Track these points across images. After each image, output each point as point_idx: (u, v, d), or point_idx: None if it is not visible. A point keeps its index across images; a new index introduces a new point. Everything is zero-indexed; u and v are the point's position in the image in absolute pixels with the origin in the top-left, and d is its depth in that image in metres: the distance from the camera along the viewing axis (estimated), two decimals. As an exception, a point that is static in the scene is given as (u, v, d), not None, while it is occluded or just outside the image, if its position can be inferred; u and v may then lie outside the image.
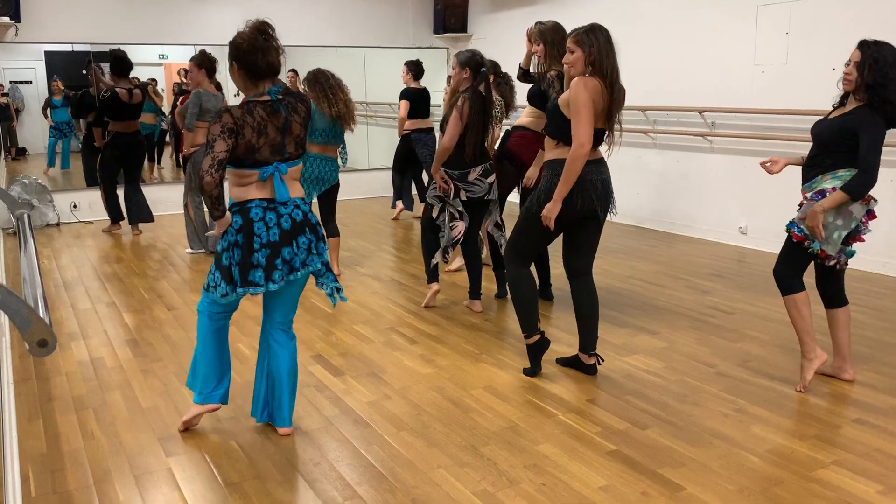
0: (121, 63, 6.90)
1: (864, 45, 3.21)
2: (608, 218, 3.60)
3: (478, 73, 4.38)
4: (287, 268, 2.88)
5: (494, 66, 5.47)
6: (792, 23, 5.99)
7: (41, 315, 1.33)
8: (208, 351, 3.03)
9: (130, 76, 7.14)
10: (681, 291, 5.18)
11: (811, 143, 3.45)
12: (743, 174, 6.50)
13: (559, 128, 3.43)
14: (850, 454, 2.89)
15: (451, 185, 4.47)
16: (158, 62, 8.96)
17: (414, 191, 8.15)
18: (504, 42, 8.71)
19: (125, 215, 7.41)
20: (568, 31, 3.59)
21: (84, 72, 8.24)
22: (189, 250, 6.53)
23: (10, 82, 8.44)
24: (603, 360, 3.75)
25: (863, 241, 3.43)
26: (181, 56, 8.50)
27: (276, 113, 2.82)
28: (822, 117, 3.46)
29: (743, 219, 6.58)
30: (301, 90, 5.63)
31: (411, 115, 7.37)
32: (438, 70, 9.25)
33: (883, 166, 3.32)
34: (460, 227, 4.53)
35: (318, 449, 3.00)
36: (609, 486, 2.69)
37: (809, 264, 3.45)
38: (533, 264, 4.67)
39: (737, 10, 6.38)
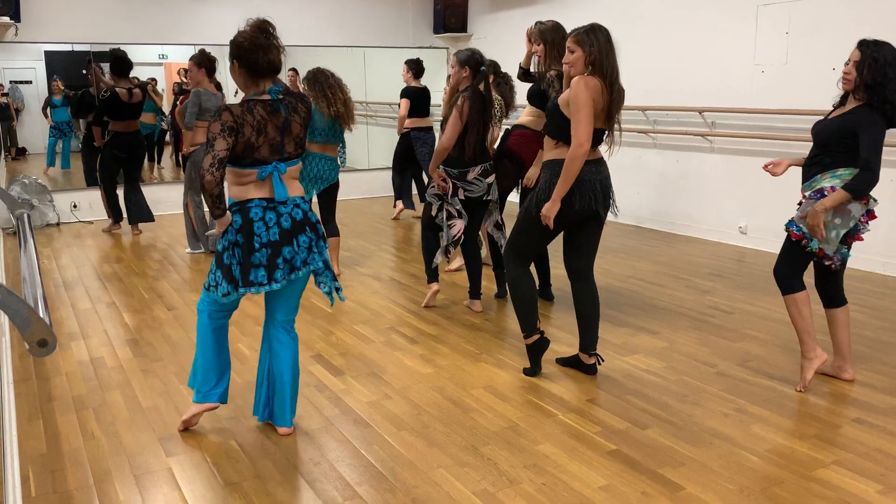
0: (121, 63, 6.90)
1: (863, 45, 3.22)
2: (608, 218, 3.60)
3: (477, 71, 4.37)
4: (288, 267, 2.88)
5: (494, 66, 5.47)
6: (792, 22, 5.99)
7: (41, 315, 1.33)
8: (207, 350, 3.03)
9: (130, 76, 7.14)
10: (681, 291, 5.18)
11: (811, 143, 3.45)
12: (743, 174, 6.50)
13: (559, 127, 3.43)
14: (850, 454, 2.89)
15: (450, 184, 4.47)
16: (158, 62, 8.96)
17: (414, 190, 8.15)
18: (504, 42, 8.71)
19: (125, 215, 7.42)
20: (568, 30, 3.59)
21: (84, 72, 8.24)
22: (188, 250, 6.53)
23: (10, 82, 8.44)
24: (603, 360, 3.75)
25: (861, 240, 3.43)
26: (181, 56, 8.50)
27: (276, 112, 2.82)
28: (822, 117, 3.47)
29: (743, 218, 6.58)
30: (301, 89, 5.64)
31: (411, 113, 7.38)
32: (438, 70, 9.24)
33: (883, 166, 3.31)
34: (459, 225, 4.53)
35: (318, 449, 3.00)
36: (609, 485, 2.69)
37: (809, 264, 3.45)
38: (533, 264, 4.67)
39: (737, 10, 6.38)
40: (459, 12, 9.66)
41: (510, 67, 5.52)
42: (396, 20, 9.69)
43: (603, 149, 3.52)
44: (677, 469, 2.79)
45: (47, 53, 8.30)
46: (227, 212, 2.86)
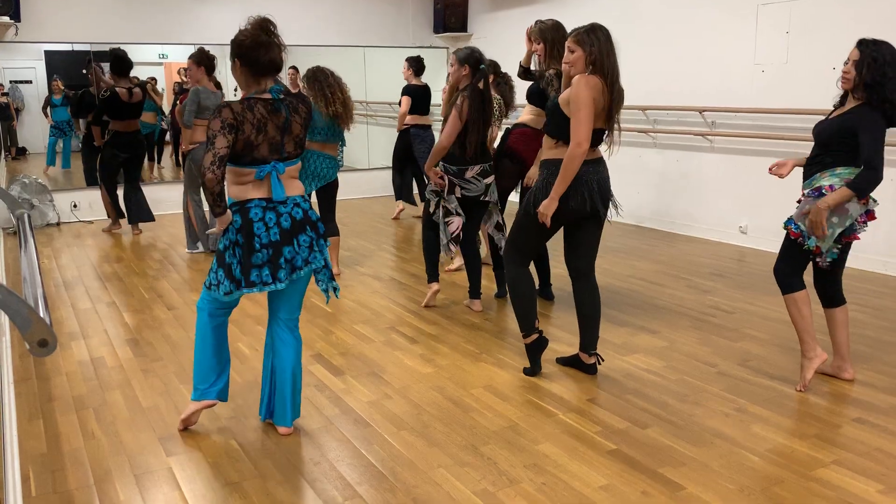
0: (121, 62, 6.90)
1: (862, 44, 3.22)
2: (608, 218, 3.60)
3: (477, 69, 4.37)
4: (290, 267, 2.88)
5: (494, 66, 5.47)
6: (792, 22, 5.99)
7: (41, 315, 1.33)
8: (207, 347, 3.03)
9: (130, 75, 7.14)
10: (681, 291, 5.18)
11: (812, 143, 3.45)
12: (743, 173, 6.50)
13: (559, 126, 3.42)
14: (851, 453, 2.89)
15: (447, 181, 4.47)
16: (158, 62, 8.96)
17: (415, 189, 8.14)
18: (504, 41, 8.70)
19: (125, 214, 7.42)
20: (567, 30, 3.59)
21: (84, 71, 8.24)
22: (188, 250, 6.53)
23: (11, 82, 8.44)
24: (603, 360, 3.75)
25: (858, 239, 3.43)
26: (181, 55, 8.50)
27: (277, 112, 2.82)
28: (823, 117, 3.47)
29: (743, 218, 6.58)
30: (301, 87, 5.64)
31: (412, 110, 7.38)
32: (439, 69, 9.24)
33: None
34: (457, 222, 4.52)
35: (318, 448, 3.00)
36: (609, 485, 2.69)
37: (809, 263, 3.45)
38: (533, 264, 4.67)
39: (737, 10, 6.38)
40: (459, 12, 9.66)
41: (510, 67, 5.52)
42: (396, 19, 9.69)
43: (603, 149, 3.52)
44: (677, 469, 2.79)
45: (47, 53, 8.30)
46: (228, 210, 2.86)
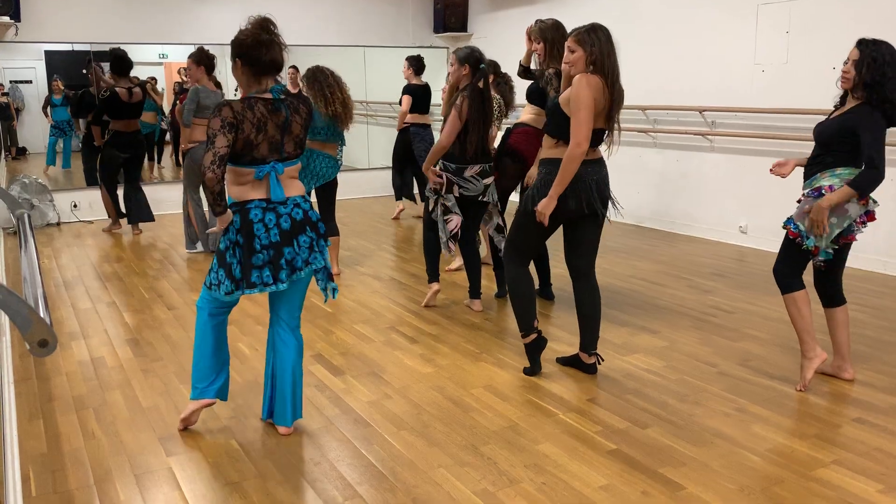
0: (121, 62, 6.90)
1: (862, 44, 3.22)
2: (608, 217, 3.60)
3: (477, 69, 4.37)
4: (290, 268, 2.88)
5: (494, 66, 5.47)
6: (792, 22, 5.99)
7: (42, 315, 1.33)
8: (206, 346, 3.03)
9: (130, 75, 7.14)
10: (681, 291, 5.18)
11: (812, 143, 3.45)
12: (743, 173, 6.50)
13: (560, 126, 3.42)
14: (851, 453, 2.89)
15: (445, 179, 4.46)
16: (159, 62, 8.96)
17: (415, 189, 8.14)
18: (504, 41, 8.70)
19: (125, 214, 7.42)
20: (567, 29, 3.59)
21: (84, 71, 8.24)
22: (186, 250, 6.53)
23: (11, 82, 8.44)
24: (603, 360, 3.75)
25: (854, 240, 3.43)
26: (181, 55, 8.50)
27: (277, 111, 2.82)
28: (823, 118, 3.47)
29: (743, 218, 6.58)
30: (301, 86, 5.64)
31: (412, 110, 7.38)
32: (439, 69, 9.24)
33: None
34: (456, 220, 4.52)
35: (318, 448, 3.00)
36: (609, 485, 2.69)
37: (808, 263, 3.45)
38: (533, 264, 4.67)
39: (737, 9, 6.38)
40: (459, 11, 9.66)
41: (510, 67, 5.52)
42: (396, 19, 9.69)
43: (602, 148, 3.52)
44: (678, 468, 2.79)
45: (47, 53, 8.30)
46: (228, 209, 2.86)
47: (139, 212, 7.31)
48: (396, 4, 9.66)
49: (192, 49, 6.14)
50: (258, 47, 2.76)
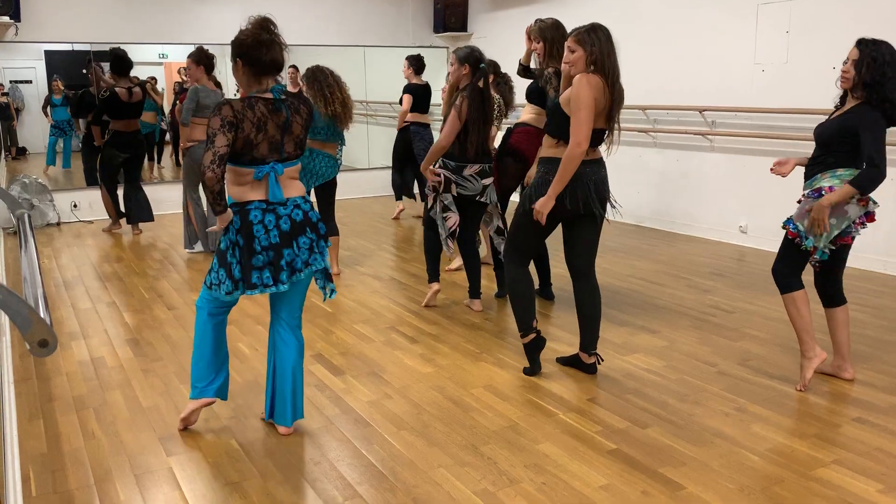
0: (121, 62, 6.90)
1: (861, 44, 3.22)
2: (608, 217, 3.60)
3: (477, 68, 4.37)
4: (290, 269, 2.88)
5: (494, 66, 5.47)
6: (792, 21, 5.99)
7: (42, 315, 1.33)
8: (206, 346, 3.03)
9: (130, 75, 7.14)
10: (681, 290, 5.18)
11: (813, 144, 3.45)
12: (743, 173, 6.50)
13: (560, 126, 3.42)
14: (851, 453, 2.89)
15: (443, 177, 4.46)
16: (159, 61, 8.96)
17: (415, 189, 8.14)
18: (504, 41, 8.70)
19: (125, 214, 7.42)
20: (567, 29, 3.59)
21: (84, 71, 8.24)
22: (185, 249, 6.53)
23: (11, 82, 8.44)
24: (603, 360, 3.75)
25: (849, 242, 3.42)
26: (181, 55, 8.50)
27: (278, 111, 2.82)
28: (823, 117, 3.47)
29: (743, 217, 6.58)
30: (301, 86, 5.64)
31: (412, 109, 7.39)
32: (439, 69, 9.24)
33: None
34: (454, 218, 4.52)
35: (318, 448, 3.00)
36: (609, 485, 2.69)
37: (807, 263, 3.45)
38: (533, 263, 4.67)
39: (737, 9, 6.38)
40: (459, 11, 9.66)
41: (510, 67, 5.52)
42: (396, 19, 9.69)
43: (602, 148, 3.52)
44: (678, 468, 2.79)
45: (47, 53, 8.30)
46: (228, 208, 2.86)
47: (139, 212, 7.32)
48: (396, 4, 9.66)
49: (192, 49, 6.14)
50: (259, 47, 2.76)
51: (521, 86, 5.18)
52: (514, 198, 5.46)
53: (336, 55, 8.83)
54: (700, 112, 6.69)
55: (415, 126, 7.45)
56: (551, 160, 3.44)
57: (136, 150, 7.19)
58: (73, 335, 4.40)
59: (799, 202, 3.44)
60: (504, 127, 5.49)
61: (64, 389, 3.61)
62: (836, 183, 3.27)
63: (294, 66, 8.28)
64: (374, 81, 9.59)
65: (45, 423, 3.25)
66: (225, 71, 7.93)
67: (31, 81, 8.50)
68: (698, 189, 6.96)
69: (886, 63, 3.14)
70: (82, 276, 5.75)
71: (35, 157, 8.80)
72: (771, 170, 3.56)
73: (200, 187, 4.91)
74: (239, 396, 3.47)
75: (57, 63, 8.42)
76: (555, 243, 3.98)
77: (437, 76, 8.64)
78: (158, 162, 9.34)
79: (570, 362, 3.79)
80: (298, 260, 2.89)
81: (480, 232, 5.09)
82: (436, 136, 5.07)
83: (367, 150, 9.98)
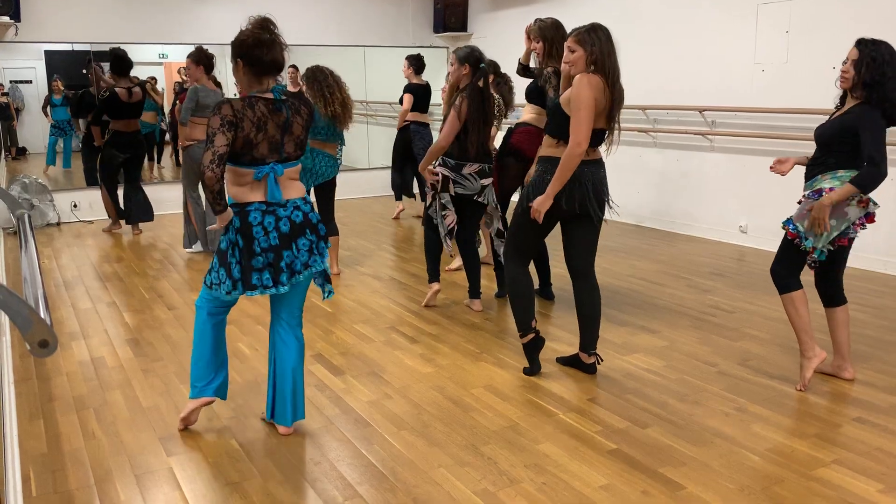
0: (121, 62, 6.90)
1: (861, 44, 3.22)
2: (608, 217, 3.60)
3: (477, 68, 4.37)
4: (290, 271, 2.88)
5: (494, 66, 5.47)
6: (792, 21, 5.99)
7: (42, 315, 1.33)
8: (205, 345, 3.03)
9: (130, 75, 7.14)
10: (681, 290, 5.18)
11: (813, 144, 3.45)
12: (743, 173, 6.50)
13: (560, 126, 3.42)
14: (851, 453, 2.89)
15: (441, 176, 4.46)
16: (159, 61, 8.96)
17: (415, 189, 8.14)
18: (504, 41, 8.70)
19: (125, 214, 7.42)
20: (567, 29, 3.58)
21: (84, 71, 8.24)
22: (185, 249, 6.53)
23: (11, 82, 8.44)
24: (602, 360, 3.75)
25: (845, 244, 3.42)
26: (181, 55, 8.49)
27: (278, 111, 2.82)
28: (822, 117, 3.47)
29: (743, 217, 6.58)
30: (301, 85, 5.64)
31: (412, 108, 7.39)
32: (439, 69, 9.24)
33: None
34: (452, 216, 4.52)
35: (318, 448, 3.00)
36: (609, 485, 2.69)
37: (806, 263, 3.45)
38: (533, 263, 4.67)
39: (737, 9, 6.38)
40: (459, 11, 9.66)
41: (510, 67, 5.52)
42: (396, 19, 9.69)
43: (602, 148, 3.52)
44: (678, 468, 2.79)
45: (47, 53, 8.30)
46: (228, 207, 2.85)
47: (139, 212, 7.32)
48: (396, 4, 9.66)
49: (191, 49, 6.14)
50: (259, 47, 2.76)
51: (520, 86, 5.18)
52: (515, 198, 5.46)
53: (336, 55, 8.83)
54: (700, 112, 6.69)
55: (415, 125, 7.45)
56: (550, 159, 3.44)
57: (136, 150, 7.18)
58: (73, 335, 4.40)
59: (799, 203, 3.44)
60: (504, 127, 5.49)
61: (64, 389, 3.61)
62: (836, 184, 3.27)
63: (294, 66, 8.28)
64: (374, 81, 9.59)
65: (45, 423, 3.25)
66: (225, 71, 7.93)
67: (31, 81, 8.50)
68: (698, 189, 6.96)
69: (886, 63, 3.14)
70: (82, 277, 5.75)
71: (35, 157, 8.79)
72: (770, 168, 3.56)
73: (200, 186, 4.91)
74: (239, 396, 3.47)
75: (57, 63, 8.42)
76: (555, 243, 3.98)
77: (437, 76, 8.64)
78: (158, 162, 9.34)
79: (570, 362, 3.79)
80: (298, 262, 2.89)
81: (480, 232, 5.09)
82: (435, 136, 5.07)
83: (367, 150, 9.98)
